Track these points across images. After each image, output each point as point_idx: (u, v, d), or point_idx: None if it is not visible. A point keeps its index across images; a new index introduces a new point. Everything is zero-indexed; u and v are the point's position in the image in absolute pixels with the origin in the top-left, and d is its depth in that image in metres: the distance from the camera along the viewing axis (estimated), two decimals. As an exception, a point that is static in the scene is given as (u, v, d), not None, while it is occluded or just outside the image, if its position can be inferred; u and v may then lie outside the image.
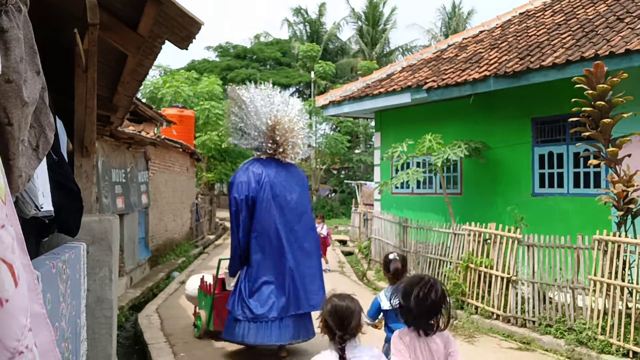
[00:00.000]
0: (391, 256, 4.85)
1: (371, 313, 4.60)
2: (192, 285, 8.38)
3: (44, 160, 2.09)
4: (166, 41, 4.52)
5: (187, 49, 4.44)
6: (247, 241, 6.69)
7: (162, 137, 14.67)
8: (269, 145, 6.95)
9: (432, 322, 3.01)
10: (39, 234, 2.80)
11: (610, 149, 7.34)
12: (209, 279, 7.93)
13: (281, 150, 6.94)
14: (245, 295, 6.55)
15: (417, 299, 2.97)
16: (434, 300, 2.97)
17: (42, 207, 2.25)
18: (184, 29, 4.22)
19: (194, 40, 4.37)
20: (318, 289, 6.69)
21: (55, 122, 2.28)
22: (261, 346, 6.68)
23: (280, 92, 7.52)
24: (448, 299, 3.04)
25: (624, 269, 6.81)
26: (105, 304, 3.51)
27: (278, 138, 6.92)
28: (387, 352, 3.89)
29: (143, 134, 11.90)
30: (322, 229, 14.31)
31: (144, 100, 17.48)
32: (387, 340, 4.37)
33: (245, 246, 6.70)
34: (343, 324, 2.79)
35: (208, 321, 7.50)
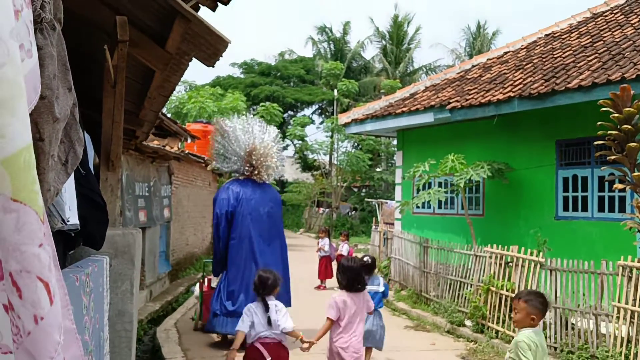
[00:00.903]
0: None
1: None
2: (197, 285, 9.69)
3: (72, 174, 2.13)
4: (193, 58, 4.58)
5: (213, 67, 4.50)
6: (225, 248, 8.02)
7: (186, 151, 14.81)
8: (246, 168, 8.26)
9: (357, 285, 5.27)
10: (65, 247, 2.84)
11: (636, 173, 7.23)
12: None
13: (256, 172, 8.28)
14: (222, 295, 7.89)
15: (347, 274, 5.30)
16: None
17: (68, 221, 2.28)
18: (211, 47, 4.28)
19: (220, 58, 4.43)
20: (286, 292, 7.83)
21: (84, 137, 2.32)
22: (224, 333, 7.95)
23: (259, 121, 8.85)
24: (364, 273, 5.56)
25: (649, 296, 6.68)
26: (126, 318, 3.53)
27: (254, 162, 8.22)
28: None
29: (167, 148, 12.03)
30: (342, 248, 14.22)
31: (169, 115, 17.70)
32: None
33: (225, 252, 8.03)
34: (264, 286, 5.12)
35: (200, 315, 8.51)
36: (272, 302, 5.11)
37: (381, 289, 7.11)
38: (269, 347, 4.96)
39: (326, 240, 14.30)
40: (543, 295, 4.33)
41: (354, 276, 5.25)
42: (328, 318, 5.14)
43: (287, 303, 7.40)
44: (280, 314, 5.06)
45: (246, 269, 7.84)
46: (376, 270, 7.79)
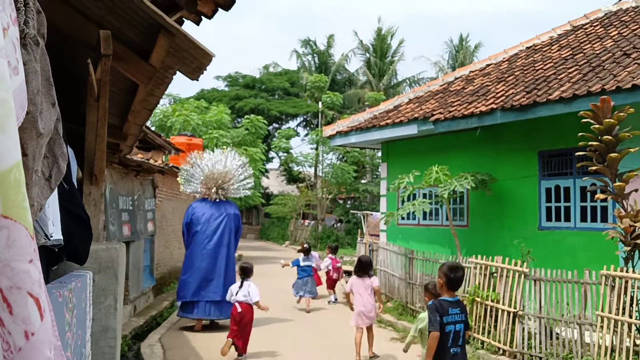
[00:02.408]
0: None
1: (294, 264, 13.02)
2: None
3: (55, 189, 2.11)
4: (177, 72, 4.58)
5: (197, 80, 4.50)
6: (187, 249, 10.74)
7: (171, 165, 14.74)
8: (202, 189, 10.82)
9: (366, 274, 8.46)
10: (48, 263, 2.81)
11: (617, 183, 7.34)
12: None
13: (210, 193, 10.71)
14: (182, 286, 10.48)
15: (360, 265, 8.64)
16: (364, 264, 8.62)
17: (51, 236, 2.27)
18: (195, 61, 4.28)
19: (205, 71, 4.43)
20: (218, 288, 10.25)
21: (67, 152, 2.31)
22: (188, 318, 10.53)
23: (231, 153, 11.18)
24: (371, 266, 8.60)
25: (631, 305, 6.74)
26: (109, 334, 3.50)
27: (207, 184, 10.72)
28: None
29: (151, 161, 11.97)
30: (323, 264, 13.68)
31: (153, 128, 17.63)
32: (299, 278, 12.84)
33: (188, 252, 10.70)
34: (245, 272, 8.41)
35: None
36: (247, 282, 8.45)
37: (313, 263, 13.11)
38: (241, 304, 8.26)
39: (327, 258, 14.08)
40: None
41: (358, 268, 8.59)
42: (346, 293, 8.79)
43: (217, 296, 10.23)
44: (252, 289, 8.36)
45: (197, 264, 10.35)
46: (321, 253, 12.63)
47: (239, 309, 8.19)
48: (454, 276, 5.05)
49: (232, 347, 8.13)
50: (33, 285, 1.17)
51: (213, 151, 11.52)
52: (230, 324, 8.40)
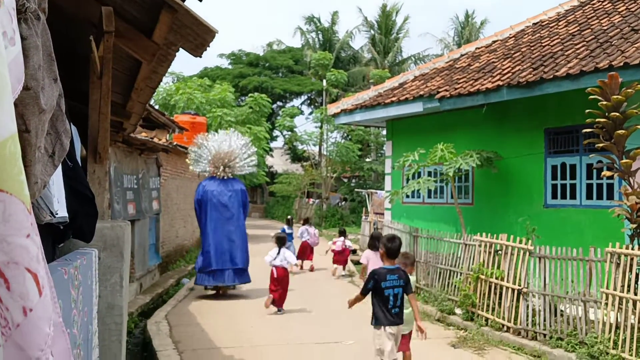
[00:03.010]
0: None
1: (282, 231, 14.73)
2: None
3: (59, 167, 2.10)
4: (180, 49, 4.54)
5: (201, 57, 4.46)
6: (200, 223, 11.74)
7: (174, 143, 14.73)
8: (209, 169, 11.72)
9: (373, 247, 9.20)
10: (54, 240, 2.81)
11: (624, 160, 7.29)
12: None
13: (217, 171, 11.59)
14: (200, 258, 11.42)
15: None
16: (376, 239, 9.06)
17: (57, 214, 2.26)
18: (199, 37, 4.24)
19: (208, 48, 4.39)
20: (238, 257, 11.32)
21: (71, 129, 2.30)
22: (211, 286, 11.45)
23: (234, 134, 12.19)
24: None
25: (636, 282, 6.74)
26: (115, 311, 3.51)
27: (215, 164, 11.60)
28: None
29: (155, 140, 11.97)
30: (336, 244, 15.00)
31: (156, 107, 17.58)
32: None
33: (202, 226, 11.69)
34: (281, 241, 10.37)
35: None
36: (283, 249, 10.19)
37: (293, 232, 16.29)
38: (278, 268, 10.00)
39: (304, 228, 16.27)
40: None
41: (371, 243, 9.49)
42: (363, 264, 9.56)
43: (247, 261, 11.47)
44: (288, 254, 10.26)
45: (212, 236, 11.29)
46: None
47: (277, 273, 9.96)
48: (391, 246, 5.86)
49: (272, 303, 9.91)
50: (31, 261, 1.16)
51: (217, 130, 12.40)
52: (270, 285, 10.07)
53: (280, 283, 9.99)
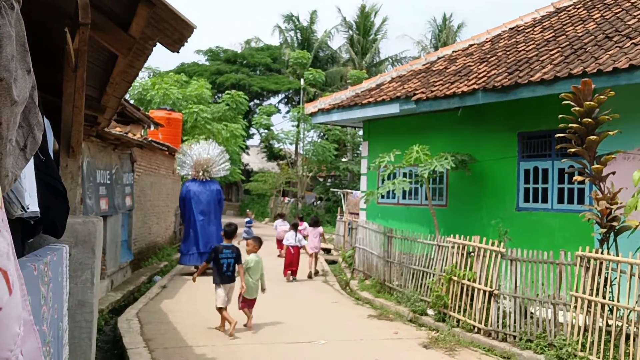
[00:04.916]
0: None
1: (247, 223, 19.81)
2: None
3: (31, 160, 2.06)
4: (157, 43, 4.49)
5: (178, 52, 4.42)
6: (183, 218, 14.80)
7: (149, 139, 14.57)
8: (192, 173, 14.67)
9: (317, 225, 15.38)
10: (24, 235, 2.75)
11: (595, 166, 7.41)
12: None
13: (198, 175, 14.51)
14: (189, 242, 14.16)
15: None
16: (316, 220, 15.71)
17: (28, 208, 2.21)
18: (176, 32, 4.20)
19: (185, 43, 4.35)
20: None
21: (44, 122, 2.25)
22: (189, 265, 14.19)
23: (212, 144, 15.40)
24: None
25: (605, 286, 6.86)
26: (86, 308, 3.46)
27: (196, 169, 14.54)
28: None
29: (130, 135, 11.82)
30: (295, 238, 14.04)
31: (132, 102, 17.37)
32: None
33: (185, 221, 14.70)
34: (295, 226, 14.58)
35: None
36: (296, 233, 14.13)
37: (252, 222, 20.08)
38: (294, 247, 13.76)
39: (279, 221, 18.65)
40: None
41: (312, 222, 15.51)
42: (304, 235, 14.55)
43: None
44: (299, 237, 14.12)
45: (191, 229, 14.18)
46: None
47: (292, 250, 13.62)
48: (228, 229, 8.99)
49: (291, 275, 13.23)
50: (1, 258, 1.12)
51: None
52: (286, 260, 13.74)
53: (294, 258, 13.55)
